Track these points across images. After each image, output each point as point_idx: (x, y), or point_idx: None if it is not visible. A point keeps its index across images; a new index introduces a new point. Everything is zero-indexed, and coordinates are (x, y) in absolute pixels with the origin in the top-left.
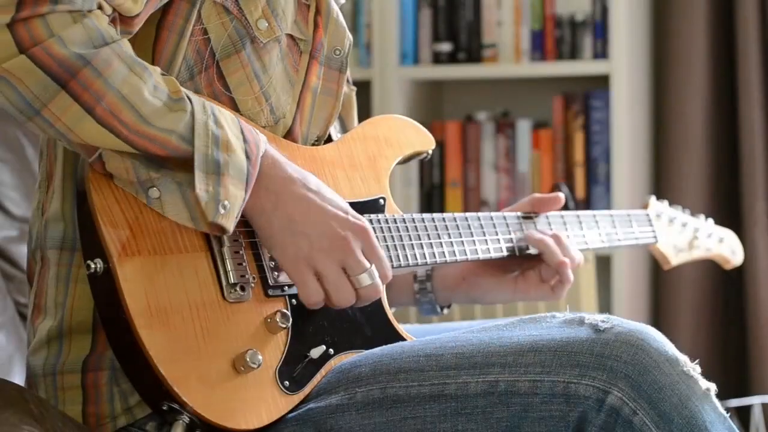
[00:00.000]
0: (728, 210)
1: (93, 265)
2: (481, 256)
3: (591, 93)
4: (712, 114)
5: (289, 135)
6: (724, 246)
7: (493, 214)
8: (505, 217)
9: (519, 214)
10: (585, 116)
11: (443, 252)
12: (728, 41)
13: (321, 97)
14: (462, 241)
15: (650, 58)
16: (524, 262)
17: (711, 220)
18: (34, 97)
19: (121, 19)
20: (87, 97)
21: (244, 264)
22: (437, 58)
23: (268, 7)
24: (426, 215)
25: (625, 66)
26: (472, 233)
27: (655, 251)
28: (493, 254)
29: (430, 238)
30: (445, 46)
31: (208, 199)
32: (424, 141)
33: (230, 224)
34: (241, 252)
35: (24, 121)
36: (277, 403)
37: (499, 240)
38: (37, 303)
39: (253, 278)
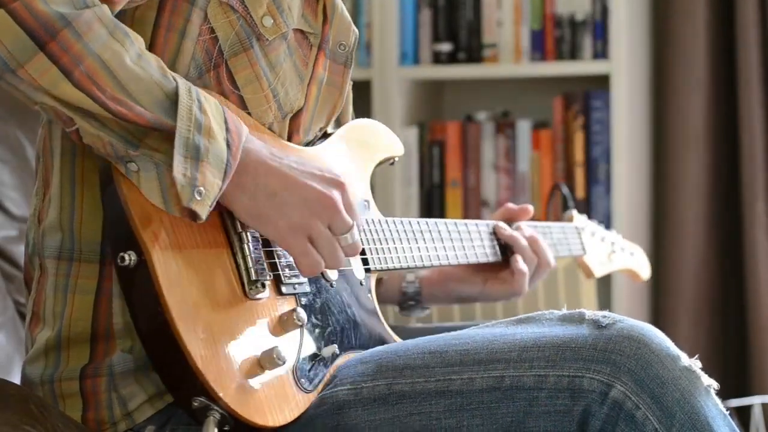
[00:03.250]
0: (728, 210)
1: (127, 257)
2: (461, 261)
3: (591, 93)
4: (712, 114)
5: (292, 124)
6: (635, 260)
7: (467, 221)
8: (477, 225)
9: (492, 222)
10: (585, 116)
11: (429, 256)
12: (728, 41)
13: (326, 88)
14: (444, 246)
15: (650, 58)
16: (493, 267)
17: (620, 235)
18: (10, 56)
19: None
20: (66, 59)
21: (261, 261)
22: (437, 58)
23: (273, 3)
24: (412, 219)
25: (625, 66)
26: (451, 239)
27: (581, 263)
28: (470, 259)
29: (417, 242)
30: (445, 46)
31: (184, 183)
32: (396, 147)
33: (204, 211)
34: (258, 249)
35: None
36: (297, 401)
37: (473, 246)
38: (36, 311)
39: (269, 276)
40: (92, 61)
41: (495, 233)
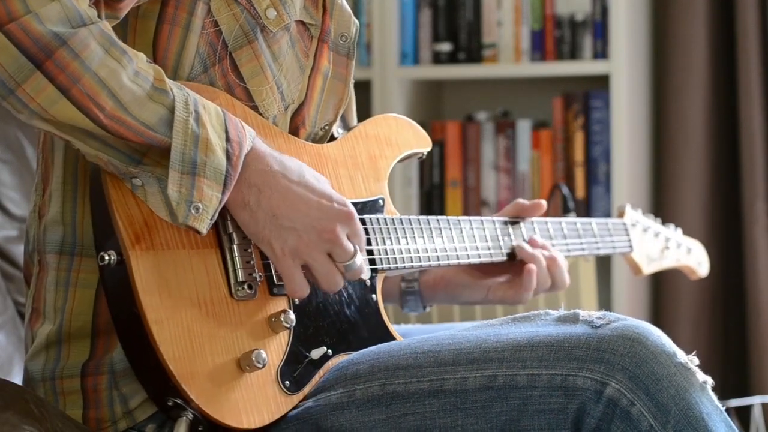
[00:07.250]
0: (728, 210)
1: (107, 257)
2: (472, 261)
3: (591, 93)
4: (712, 114)
5: (296, 117)
6: (692, 257)
7: (483, 218)
8: (494, 222)
9: (505, 219)
10: (585, 116)
11: (437, 255)
12: (728, 41)
13: (332, 82)
14: (455, 247)
15: (650, 58)
16: (497, 272)
17: (680, 230)
18: (9, 77)
19: (105, 2)
20: (63, 78)
21: (252, 262)
22: (437, 58)
23: None
24: (422, 217)
25: (625, 66)
26: (464, 237)
27: (628, 260)
28: (482, 259)
29: (425, 241)
30: (445, 46)
31: (179, 200)
32: (421, 141)
33: (203, 227)
34: (249, 249)
35: None
36: (278, 403)
37: (489, 246)
38: (36, 307)
39: (260, 276)
40: (89, 79)
41: (513, 250)
